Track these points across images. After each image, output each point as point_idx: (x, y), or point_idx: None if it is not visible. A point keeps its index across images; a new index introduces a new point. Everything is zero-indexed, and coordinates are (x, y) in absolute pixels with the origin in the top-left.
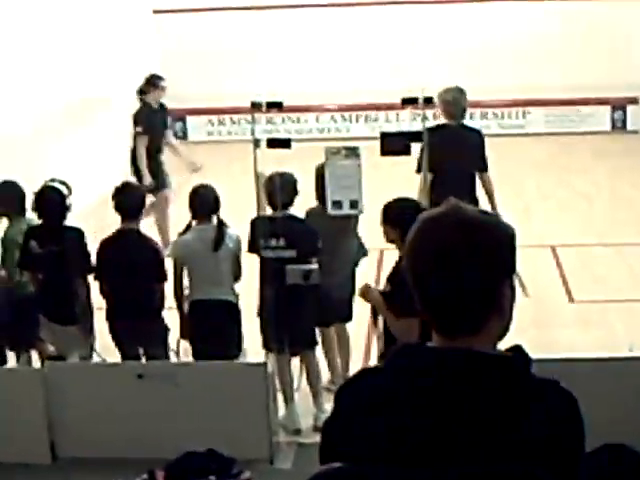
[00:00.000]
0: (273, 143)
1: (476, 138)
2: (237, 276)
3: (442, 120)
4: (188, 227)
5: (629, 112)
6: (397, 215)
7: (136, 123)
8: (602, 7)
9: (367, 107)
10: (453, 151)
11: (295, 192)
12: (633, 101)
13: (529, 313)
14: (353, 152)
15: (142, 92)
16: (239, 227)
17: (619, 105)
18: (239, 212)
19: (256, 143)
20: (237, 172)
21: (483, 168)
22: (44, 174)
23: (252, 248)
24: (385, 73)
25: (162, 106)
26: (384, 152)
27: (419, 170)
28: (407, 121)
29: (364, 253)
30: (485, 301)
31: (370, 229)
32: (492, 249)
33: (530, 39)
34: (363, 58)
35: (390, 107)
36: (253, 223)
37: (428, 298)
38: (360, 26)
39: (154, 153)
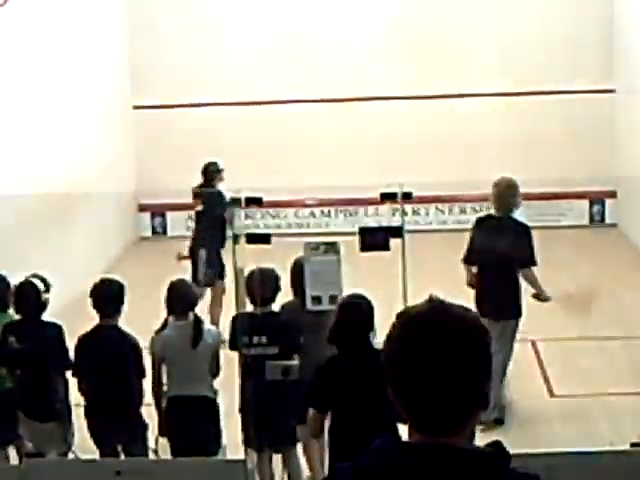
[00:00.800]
0: (252, 239)
1: (521, 232)
2: (216, 372)
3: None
4: (165, 323)
5: (607, 206)
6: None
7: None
8: (579, 103)
9: (346, 202)
10: (496, 244)
11: (277, 288)
12: (611, 195)
13: (510, 408)
14: (332, 247)
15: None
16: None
17: (597, 199)
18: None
19: (235, 239)
20: None
21: (527, 263)
22: (25, 269)
23: (233, 345)
24: (364, 169)
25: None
26: (364, 247)
27: (465, 261)
28: (386, 216)
29: None
30: (472, 399)
31: None
32: (477, 346)
33: (509, 134)
34: (341, 153)
35: (369, 202)
36: (234, 320)
37: (412, 398)
38: (339, 121)
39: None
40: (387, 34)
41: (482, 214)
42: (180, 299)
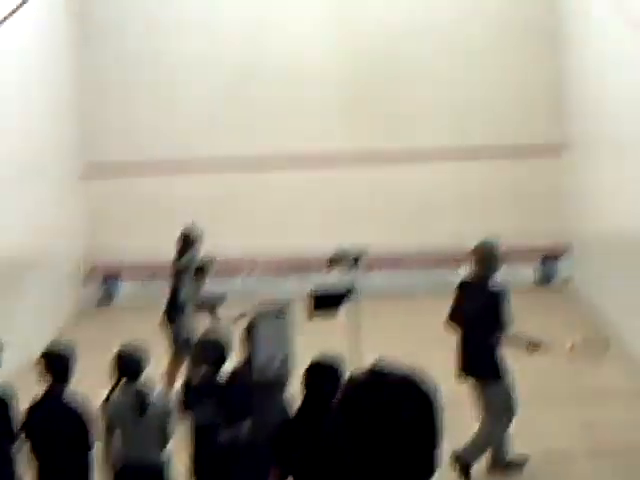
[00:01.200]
0: (201, 305)
1: (495, 298)
2: (166, 439)
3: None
4: (113, 389)
5: (558, 264)
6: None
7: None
8: (529, 164)
9: (296, 266)
10: (472, 307)
11: (226, 355)
12: (561, 253)
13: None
14: (283, 311)
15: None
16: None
17: (549, 257)
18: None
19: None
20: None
21: (499, 329)
22: None
23: (183, 412)
24: (314, 233)
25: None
26: (314, 311)
27: (449, 319)
28: (337, 280)
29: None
30: (413, 466)
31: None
32: (416, 413)
33: (461, 196)
34: (291, 218)
35: (319, 266)
36: (184, 387)
37: (354, 464)
38: (285, 186)
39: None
40: (336, 99)
41: (465, 277)
42: (127, 366)
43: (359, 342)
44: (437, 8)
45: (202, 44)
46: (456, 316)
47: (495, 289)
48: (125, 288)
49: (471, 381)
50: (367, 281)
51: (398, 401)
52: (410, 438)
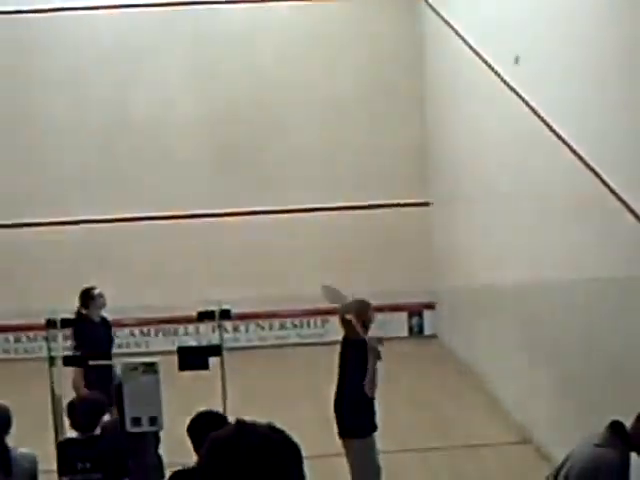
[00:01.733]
0: (69, 361)
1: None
2: None
3: None
4: None
5: (425, 317)
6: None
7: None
8: (395, 216)
9: (165, 321)
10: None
11: (101, 413)
12: (429, 306)
13: None
14: (151, 368)
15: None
16: (40, 448)
17: (415, 311)
18: (37, 433)
19: (52, 361)
20: (35, 390)
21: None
22: None
23: (62, 472)
24: (182, 286)
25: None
26: (182, 367)
27: None
28: (206, 334)
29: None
30: None
31: (171, 443)
32: (283, 466)
33: (328, 247)
34: (159, 272)
35: (189, 320)
36: (60, 446)
37: None
38: (153, 241)
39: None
40: (207, 152)
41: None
42: None
43: (228, 396)
44: (301, 67)
45: (68, 104)
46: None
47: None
48: None
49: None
50: (237, 334)
51: (265, 454)
52: None
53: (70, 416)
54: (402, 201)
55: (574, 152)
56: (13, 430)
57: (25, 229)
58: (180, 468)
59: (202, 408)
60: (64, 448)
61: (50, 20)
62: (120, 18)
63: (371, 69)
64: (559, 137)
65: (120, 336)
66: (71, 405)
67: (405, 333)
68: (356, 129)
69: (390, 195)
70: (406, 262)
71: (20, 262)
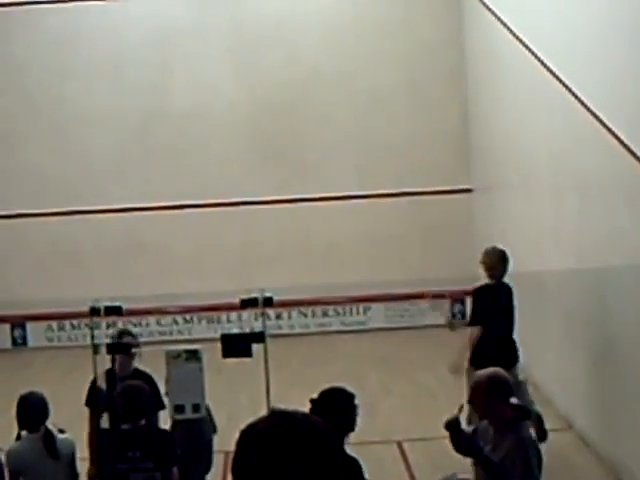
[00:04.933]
0: (113, 348)
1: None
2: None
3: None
4: (19, 436)
5: (468, 304)
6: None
7: None
8: (437, 204)
9: (208, 308)
10: (492, 309)
11: (149, 401)
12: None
13: None
14: (194, 355)
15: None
16: (80, 437)
17: (458, 298)
18: (78, 421)
19: (95, 349)
20: (79, 378)
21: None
22: None
23: (111, 460)
24: (225, 274)
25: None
26: (226, 354)
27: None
28: (248, 322)
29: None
30: None
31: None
32: (325, 452)
33: (369, 236)
34: (201, 260)
35: (231, 308)
36: (107, 435)
37: None
38: (195, 229)
39: None
40: (247, 140)
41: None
42: (31, 412)
43: (271, 383)
44: (342, 55)
45: (107, 91)
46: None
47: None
48: (35, 331)
49: None
50: (279, 322)
51: (305, 441)
52: (321, 477)
53: (116, 405)
54: (444, 188)
55: (617, 138)
56: (55, 418)
57: (65, 217)
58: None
59: (244, 394)
60: (113, 437)
61: (89, 7)
62: (160, 2)
63: (412, 56)
64: (602, 123)
65: (163, 324)
66: (120, 393)
67: (445, 321)
68: (397, 116)
69: (432, 182)
70: (448, 249)
71: (62, 251)
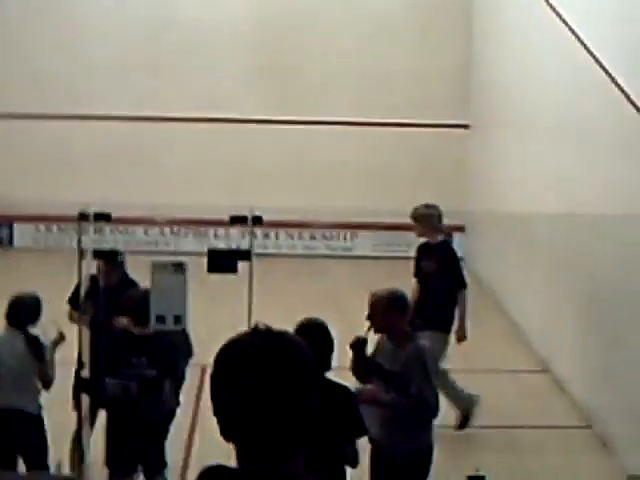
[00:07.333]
0: (99, 254)
1: (448, 255)
2: (48, 382)
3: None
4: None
5: (455, 239)
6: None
7: None
8: (433, 136)
9: (196, 222)
10: (429, 267)
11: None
12: (459, 229)
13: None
14: (179, 267)
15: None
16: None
17: (446, 232)
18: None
19: (82, 253)
20: (65, 282)
21: (459, 286)
22: None
23: (117, 363)
24: (215, 190)
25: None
26: (211, 269)
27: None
28: (236, 239)
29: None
30: (299, 424)
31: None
32: (302, 371)
33: (362, 164)
34: (194, 173)
35: (220, 224)
36: (115, 338)
37: (236, 425)
38: (191, 142)
39: None
40: (247, 57)
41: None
42: (24, 310)
43: (253, 302)
44: None
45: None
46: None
47: (446, 247)
48: (22, 231)
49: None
50: (266, 242)
51: (285, 359)
52: (296, 394)
53: (124, 308)
54: (441, 122)
55: (622, 90)
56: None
57: (62, 122)
58: None
59: (226, 311)
60: (120, 340)
61: None
62: None
63: None
64: (608, 74)
65: (150, 234)
66: (128, 297)
67: None
68: (401, 45)
69: (430, 115)
70: (440, 184)
71: (56, 153)
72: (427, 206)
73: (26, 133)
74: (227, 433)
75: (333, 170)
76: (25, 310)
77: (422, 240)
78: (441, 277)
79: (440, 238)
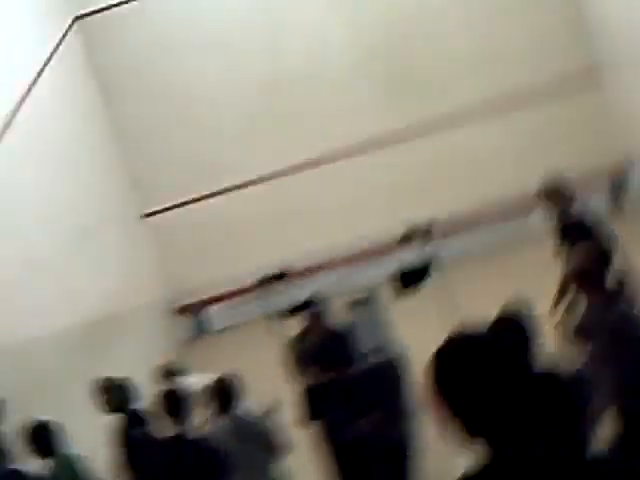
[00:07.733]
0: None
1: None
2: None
3: None
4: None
5: (623, 187)
6: None
7: None
8: (562, 102)
9: (371, 253)
10: None
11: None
12: (620, 177)
13: None
14: (371, 299)
15: None
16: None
17: (612, 184)
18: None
19: (275, 317)
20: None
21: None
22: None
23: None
24: (379, 216)
25: None
26: (400, 291)
27: None
28: (410, 256)
29: None
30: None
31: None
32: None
33: (514, 149)
34: (354, 208)
35: (392, 249)
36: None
37: (484, 416)
38: (340, 180)
39: None
40: (363, 82)
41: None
42: (223, 396)
43: (454, 310)
44: None
45: (220, 64)
46: None
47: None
48: (217, 313)
49: None
50: (445, 249)
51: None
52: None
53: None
54: (568, 74)
55: None
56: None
57: (214, 198)
58: None
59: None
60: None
61: None
62: None
63: None
64: None
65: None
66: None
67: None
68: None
69: (554, 74)
70: (589, 136)
71: (218, 230)
72: None
73: (184, 221)
74: (475, 429)
75: (480, 161)
76: (227, 393)
77: None
78: None
79: None
